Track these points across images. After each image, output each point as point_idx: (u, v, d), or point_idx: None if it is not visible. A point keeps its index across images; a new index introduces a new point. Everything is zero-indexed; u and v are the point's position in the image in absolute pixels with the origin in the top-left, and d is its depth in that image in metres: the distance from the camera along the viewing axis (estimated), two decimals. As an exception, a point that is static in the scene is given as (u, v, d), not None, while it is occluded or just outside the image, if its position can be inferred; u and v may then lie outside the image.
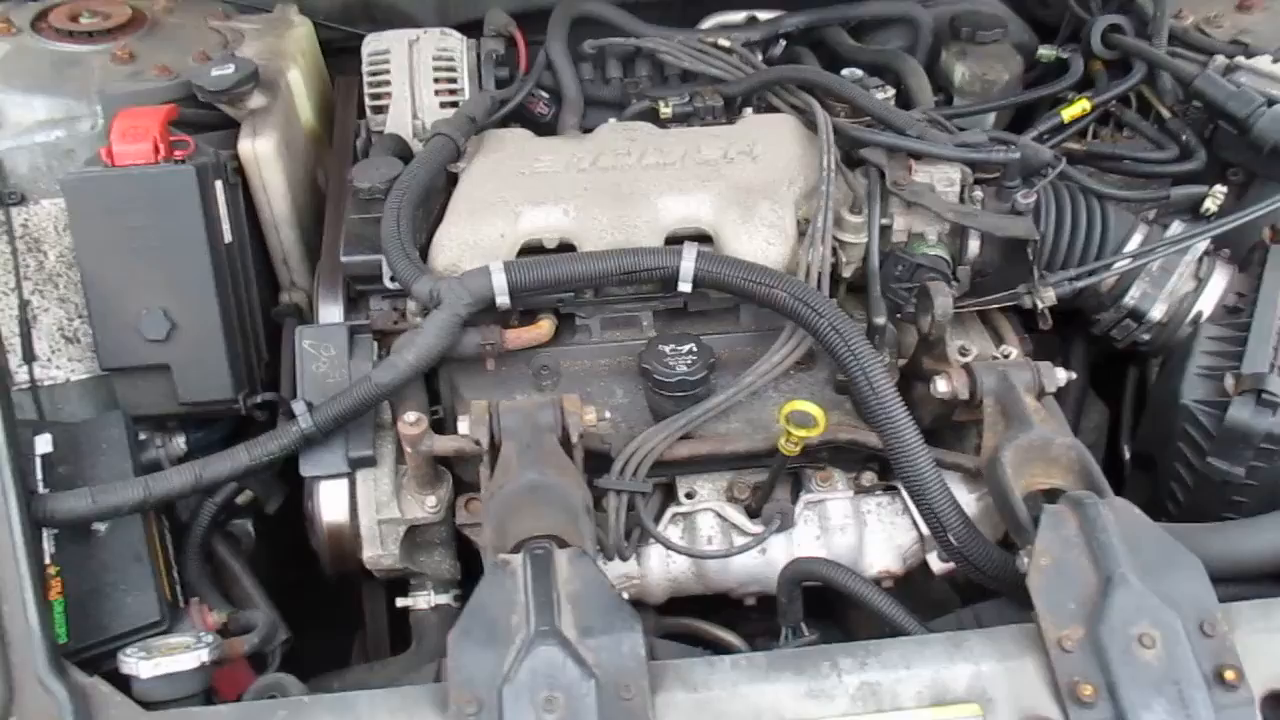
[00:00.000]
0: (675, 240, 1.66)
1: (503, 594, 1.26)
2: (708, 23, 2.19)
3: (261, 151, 1.77)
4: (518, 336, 1.60)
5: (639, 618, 1.24)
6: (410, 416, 1.52)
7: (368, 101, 1.97)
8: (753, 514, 1.65)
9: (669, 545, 1.56)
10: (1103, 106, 1.95)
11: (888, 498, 1.70)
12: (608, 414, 1.57)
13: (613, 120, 1.91)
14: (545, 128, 1.92)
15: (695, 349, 1.58)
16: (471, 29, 2.06)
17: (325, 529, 1.62)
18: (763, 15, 2.18)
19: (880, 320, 1.59)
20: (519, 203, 1.67)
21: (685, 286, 1.57)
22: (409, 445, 1.54)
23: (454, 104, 1.96)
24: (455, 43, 1.99)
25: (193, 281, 1.66)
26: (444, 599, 1.68)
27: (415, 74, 1.95)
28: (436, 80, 1.95)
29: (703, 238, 1.66)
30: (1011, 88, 2.06)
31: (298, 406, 1.56)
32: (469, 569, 1.71)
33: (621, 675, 1.20)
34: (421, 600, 1.68)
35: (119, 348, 1.67)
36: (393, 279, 1.66)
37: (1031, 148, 1.75)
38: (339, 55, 2.16)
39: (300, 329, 1.67)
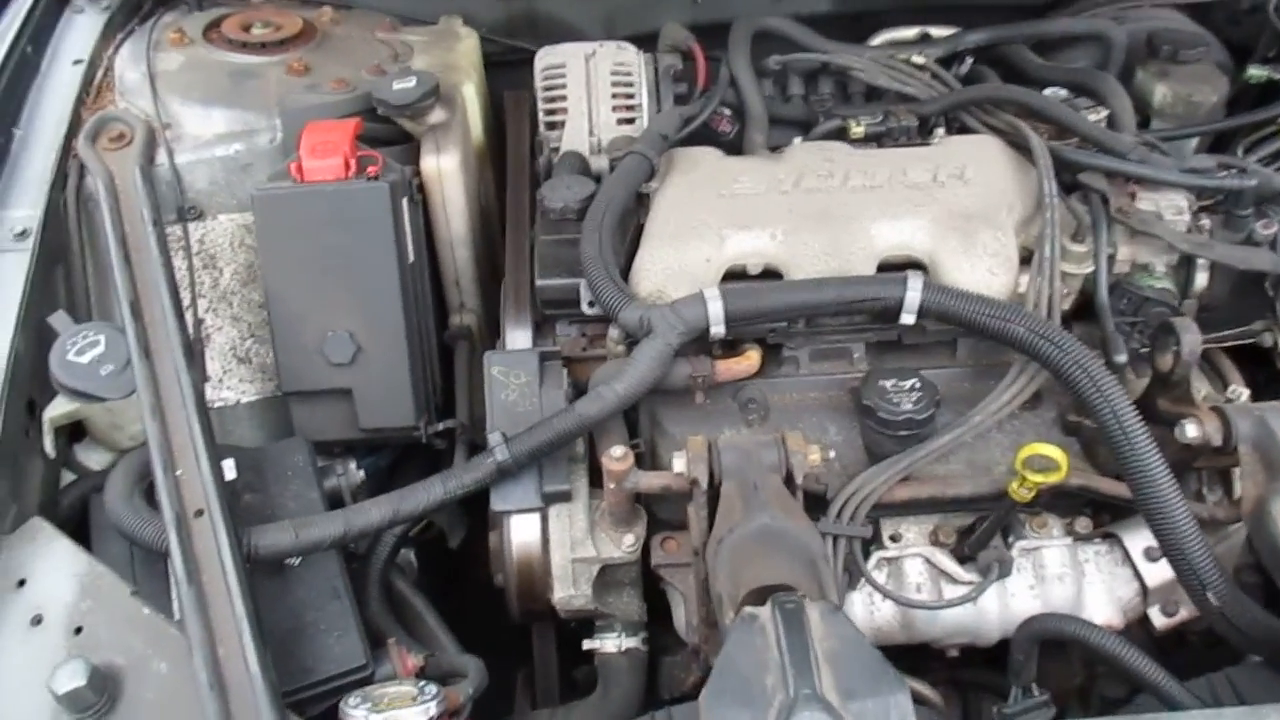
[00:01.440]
0: (887, 268, 1.57)
1: (753, 652, 1.16)
2: (877, 39, 2.10)
3: (446, 168, 1.70)
4: (728, 368, 1.51)
5: (904, 681, 1.14)
6: (617, 451, 1.44)
7: (541, 117, 1.90)
8: (961, 560, 1.55)
9: (895, 598, 1.46)
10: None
11: (1106, 545, 1.58)
12: (831, 454, 1.47)
13: (799, 140, 1.82)
14: (728, 146, 1.83)
15: (919, 385, 1.48)
16: (639, 42, 1.99)
17: (515, 566, 1.54)
18: (935, 31, 2.08)
19: (1122, 359, 1.49)
20: (722, 226, 1.58)
21: (908, 319, 1.48)
22: (612, 481, 1.45)
23: (630, 120, 1.88)
24: (632, 57, 1.92)
25: (381, 303, 1.60)
26: (634, 642, 1.59)
27: (592, 89, 1.88)
28: (614, 96, 1.88)
29: (916, 266, 1.57)
30: (1216, 111, 1.94)
31: (494, 438, 1.48)
32: (653, 610, 1.63)
33: (892, 746, 1.10)
34: (610, 643, 1.59)
35: (301, 370, 1.61)
36: (591, 304, 1.58)
37: (1263, 174, 1.64)
38: (500, 69, 2.10)
39: (489, 355, 1.59)
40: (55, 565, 1.30)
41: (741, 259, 1.58)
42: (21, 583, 1.28)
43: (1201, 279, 1.61)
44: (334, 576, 1.41)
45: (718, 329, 1.47)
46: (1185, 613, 1.57)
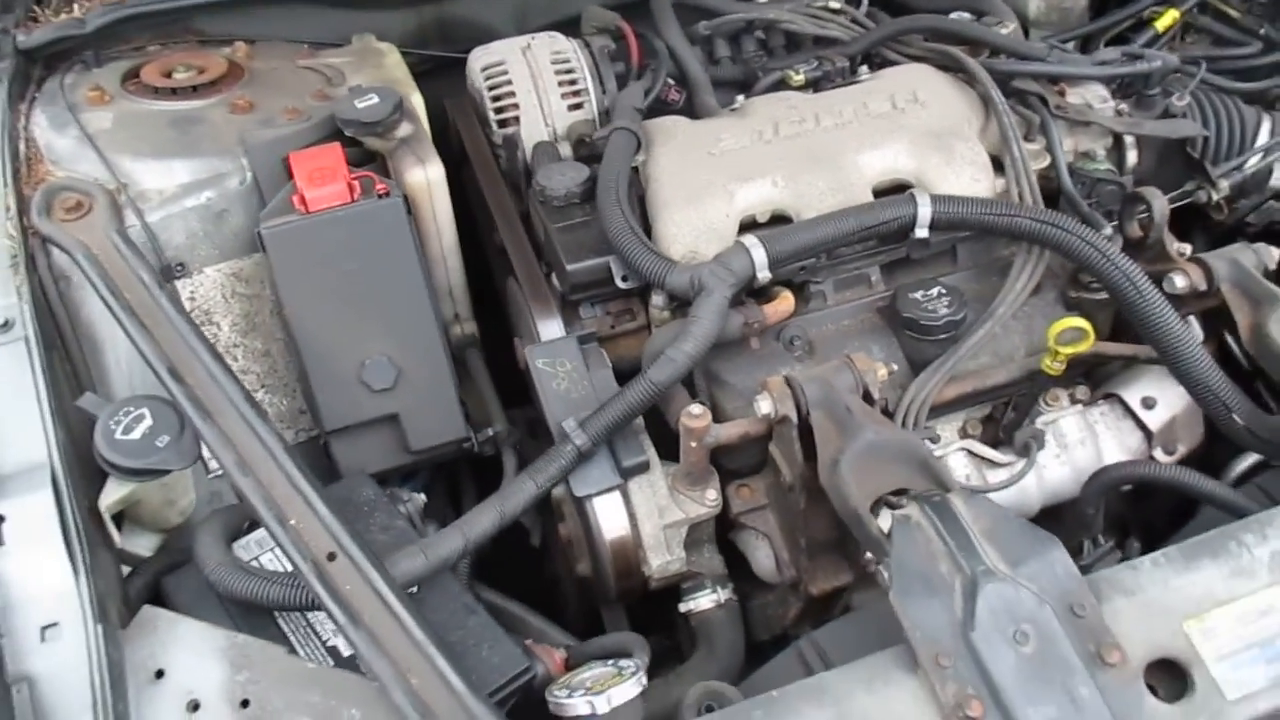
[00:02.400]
0: (880, 194, 1.68)
1: (918, 547, 1.25)
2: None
3: (434, 179, 1.67)
4: (774, 311, 1.58)
5: (1054, 538, 1.26)
6: (695, 409, 1.48)
7: (491, 116, 1.89)
8: (994, 445, 1.69)
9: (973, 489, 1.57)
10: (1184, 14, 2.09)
11: (1108, 405, 1.76)
12: (894, 367, 1.57)
13: (741, 98, 1.91)
14: (678, 114, 1.90)
15: (944, 290, 1.60)
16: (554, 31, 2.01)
17: (610, 547, 1.55)
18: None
19: (1108, 232, 1.66)
20: (727, 182, 1.65)
21: (922, 232, 1.60)
22: (693, 439, 1.49)
23: (579, 105, 1.91)
24: (566, 44, 1.94)
25: (414, 320, 1.57)
26: (727, 594, 1.63)
27: (538, 81, 1.89)
28: (560, 84, 1.90)
29: (905, 187, 1.69)
30: (1084, 15, 2.17)
31: (568, 424, 1.49)
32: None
33: (1066, 595, 1.21)
34: (705, 600, 1.62)
35: (343, 406, 1.56)
36: (624, 279, 1.61)
37: (1162, 56, 1.86)
38: (420, 80, 2.07)
39: (529, 349, 1.59)
40: (190, 647, 1.22)
41: (752, 209, 1.65)
42: (160, 673, 1.20)
43: (1132, 156, 1.81)
44: (459, 594, 1.39)
45: (764, 274, 1.53)
46: (1183, 448, 1.77)
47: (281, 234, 1.50)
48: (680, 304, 1.59)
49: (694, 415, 1.48)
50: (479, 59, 1.92)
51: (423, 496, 1.61)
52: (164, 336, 1.43)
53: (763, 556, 1.66)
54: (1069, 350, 1.54)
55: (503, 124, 1.90)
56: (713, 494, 1.57)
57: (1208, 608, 1.22)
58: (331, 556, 1.25)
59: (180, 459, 1.35)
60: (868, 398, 1.49)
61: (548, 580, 1.88)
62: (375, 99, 1.68)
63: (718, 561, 1.65)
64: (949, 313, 1.57)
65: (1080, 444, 1.72)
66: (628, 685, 1.16)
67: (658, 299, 1.59)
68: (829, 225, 1.57)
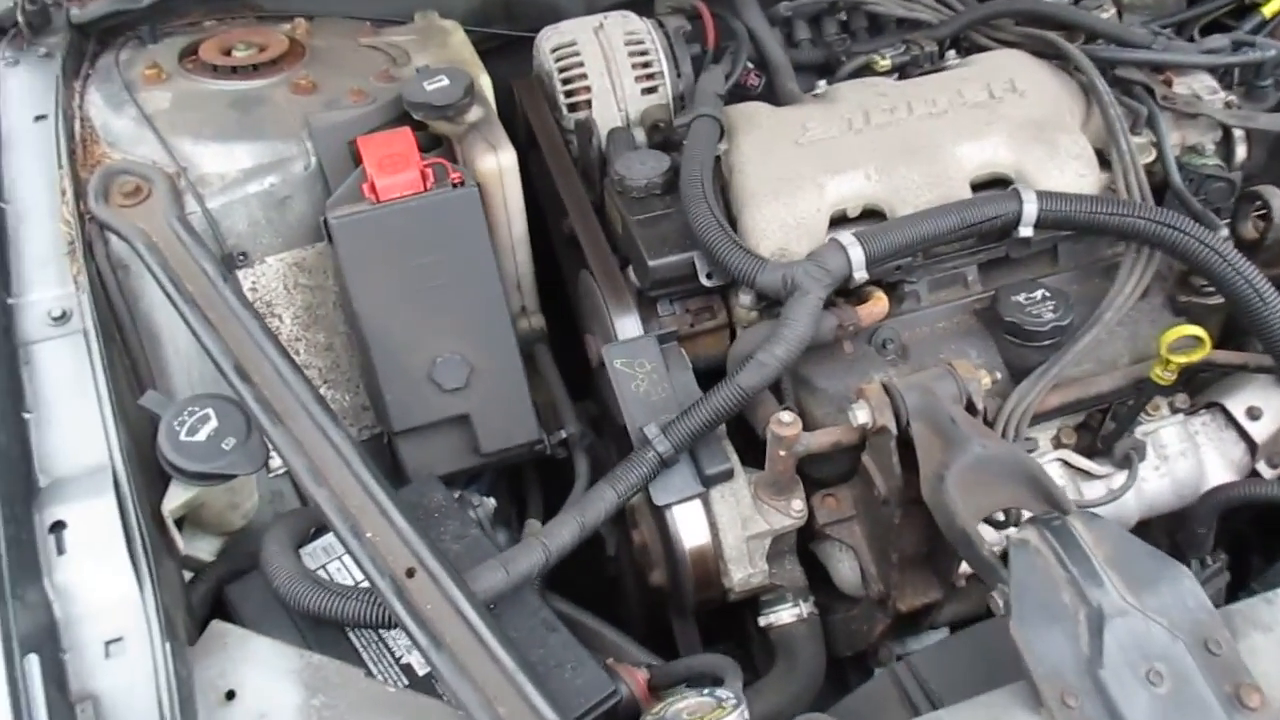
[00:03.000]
0: (979, 189, 1.58)
1: (1038, 572, 1.16)
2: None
3: (506, 165, 1.59)
4: (868, 313, 1.49)
5: (1177, 561, 1.17)
6: (786, 416, 1.40)
7: (561, 100, 1.81)
8: (1091, 455, 1.60)
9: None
10: (1293, 0, 1.97)
11: (1209, 415, 1.67)
12: (998, 375, 1.48)
13: (822, 83, 1.81)
14: (757, 100, 1.80)
15: (1049, 294, 1.51)
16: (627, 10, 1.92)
17: (690, 558, 1.47)
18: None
19: (1224, 233, 1.56)
20: (816, 175, 1.56)
21: (1026, 231, 1.50)
22: (782, 448, 1.41)
23: (653, 89, 1.82)
24: (640, 24, 1.85)
25: (488, 316, 1.49)
26: (808, 608, 1.56)
27: (610, 63, 1.80)
28: (634, 66, 1.81)
29: (1005, 182, 1.59)
30: (1180, -1, 2.06)
31: (650, 430, 1.41)
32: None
33: (1199, 630, 1.12)
34: (786, 614, 1.55)
35: (413, 405, 1.49)
36: (709, 275, 1.53)
37: (1272, 45, 1.75)
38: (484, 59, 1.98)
39: (607, 349, 1.52)
40: (262, 667, 1.15)
41: (843, 203, 1.56)
42: (231, 694, 1.13)
43: (1241, 151, 1.70)
44: (538, 609, 1.31)
45: (860, 274, 1.45)
46: (1289, 460, 1.68)
47: (351, 224, 1.42)
48: (769, 304, 1.51)
49: (784, 423, 1.39)
50: (549, 39, 1.83)
51: (492, 501, 1.54)
52: (229, 331, 1.35)
53: (846, 569, 1.58)
54: (1182, 359, 1.45)
55: (573, 108, 1.81)
56: (799, 504, 1.49)
57: (1355, 646, 1.14)
58: (410, 573, 1.17)
59: (248, 463, 1.28)
60: (970, 408, 1.40)
61: (610, 583, 1.81)
62: (445, 80, 1.60)
63: (799, 573, 1.57)
64: (1055, 317, 1.48)
65: (1181, 455, 1.64)
66: (734, 717, 1.09)
67: (745, 298, 1.51)
68: (928, 222, 1.48)
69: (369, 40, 1.83)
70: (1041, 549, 1.18)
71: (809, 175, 1.56)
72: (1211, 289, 1.56)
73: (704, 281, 1.52)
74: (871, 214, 1.57)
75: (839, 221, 1.57)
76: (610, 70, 1.80)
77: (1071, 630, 1.13)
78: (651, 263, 1.52)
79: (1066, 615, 1.13)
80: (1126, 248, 1.55)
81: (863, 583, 1.55)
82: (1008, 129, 1.61)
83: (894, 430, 1.37)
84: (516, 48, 1.97)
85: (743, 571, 1.49)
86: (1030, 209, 1.48)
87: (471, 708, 1.08)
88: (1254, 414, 1.66)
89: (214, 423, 1.29)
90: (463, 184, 1.46)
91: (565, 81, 1.80)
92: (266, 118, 1.60)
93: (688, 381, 1.53)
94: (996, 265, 1.61)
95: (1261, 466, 1.68)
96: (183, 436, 1.28)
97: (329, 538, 1.38)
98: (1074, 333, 1.52)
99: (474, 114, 1.64)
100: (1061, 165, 1.58)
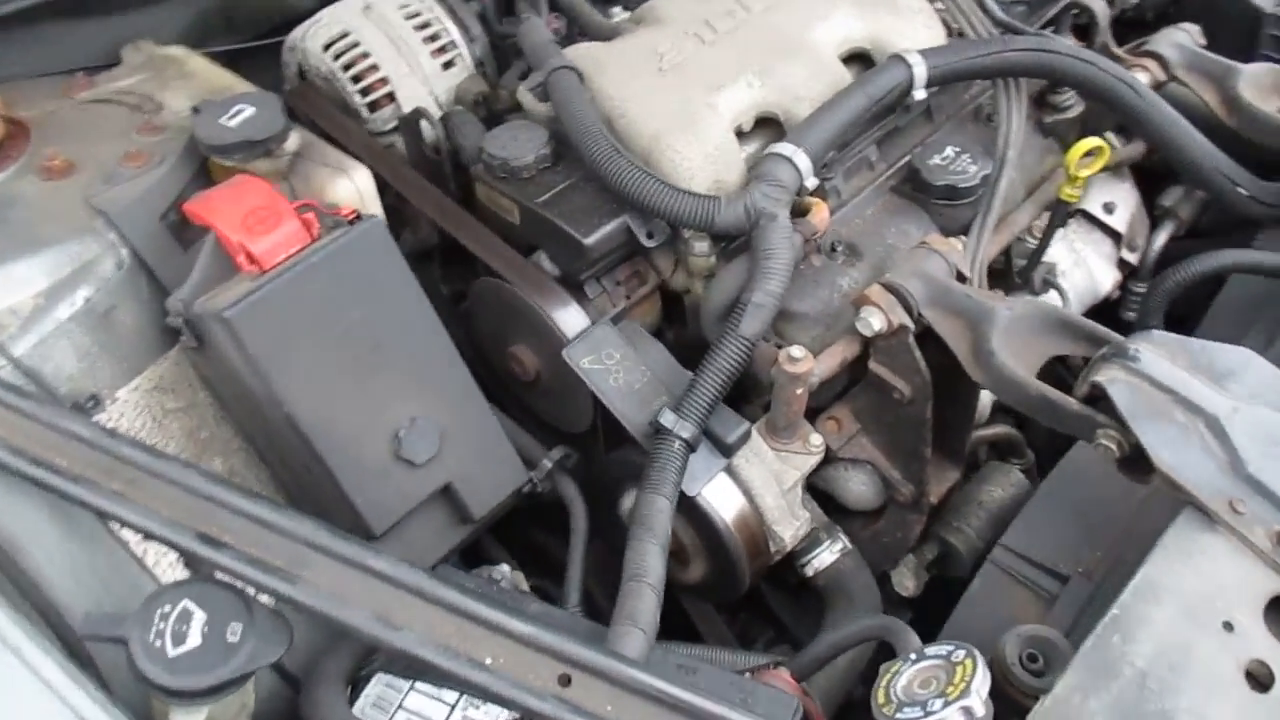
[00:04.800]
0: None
1: (1143, 403, 1.15)
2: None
3: (365, 187, 1.32)
4: (821, 220, 1.39)
5: (1242, 348, 1.21)
6: (796, 351, 1.28)
7: (357, 100, 1.53)
8: (1009, 290, 1.64)
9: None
10: None
11: (1075, 223, 1.76)
12: (962, 238, 1.44)
13: (617, 9, 1.67)
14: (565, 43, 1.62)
15: (961, 150, 1.50)
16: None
17: (736, 535, 1.33)
18: None
19: (1069, 42, 1.61)
20: (704, 97, 1.42)
21: (920, 94, 1.47)
22: (799, 385, 1.30)
23: (452, 63, 1.59)
24: (409, -6, 1.60)
25: (438, 359, 1.23)
26: (842, 541, 1.46)
27: (399, 44, 1.54)
28: (425, 41, 1.57)
29: (864, 56, 1.55)
30: None
31: (666, 417, 1.25)
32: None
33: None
34: (826, 555, 1.44)
35: (389, 497, 1.20)
36: (650, 235, 1.36)
37: None
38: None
39: (567, 351, 1.32)
40: None
41: (738, 119, 1.44)
42: None
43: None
44: (664, 655, 1.12)
45: (811, 180, 1.35)
46: (1140, 242, 1.81)
47: (251, 310, 1.09)
48: (726, 244, 1.37)
49: (796, 359, 1.28)
50: (314, 36, 1.54)
51: (506, 568, 1.30)
52: (146, 492, 1.01)
53: (857, 486, 1.50)
54: (1088, 171, 1.49)
55: (374, 105, 1.54)
56: (815, 438, 1.39)
57: None
58: (565, 680, 0.94)
59: (274, 643, 0.97)
60: (961, 278, 1.36)
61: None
62: (250, 109, 1.28)
63: (818, 509, 1.48)
64: (978, 169, 1.47)
65: (1075, 267, 1.73)
66: (980, 673, 0.98)
67: (700, 245, 1.35)
68: (841, 109, 1.40)
69: (89, 95, 1.43)
70: (1135, 381, 1.17)
71: (697, 99, 1.42)
72: (1070, 104, 1.63)
73: (645, 242, 1.35)
74: (766, 121, 1.47)
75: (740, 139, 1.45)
76: (401, 52, 1.54)
77: (1200, 444, 1.13)
78: (587, 239, 1.32)
79: (1191, 431, 1.13)
80: (995, 85, 1.56)
81: (884, 492, 1.49)
82: (848, 1, 1.56)
83: (911, 326, 1.30)
84: (254, 59, 1.64)
85: (790, 528, 1.37)
86: (920, 70, 1.45)
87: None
88: (1109, 208, 1.78)
89: (201, 615, 0.96)
90: (358, 217, 1.17)
91: (355, 79, 1.52)
92: (33, 220, 1.20)
93: (663, 356, 1.37)
94: (889, 140, 1.57)
95: (1125, 253, 1.81)
96: (171, 651, 0.94)
97: (378, 686, 1.10)
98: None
99: (293, 141, 1.33)
100: (910, 22, 1.56)
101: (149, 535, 0.99)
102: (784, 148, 1.34)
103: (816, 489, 1.50)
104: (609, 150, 1.31)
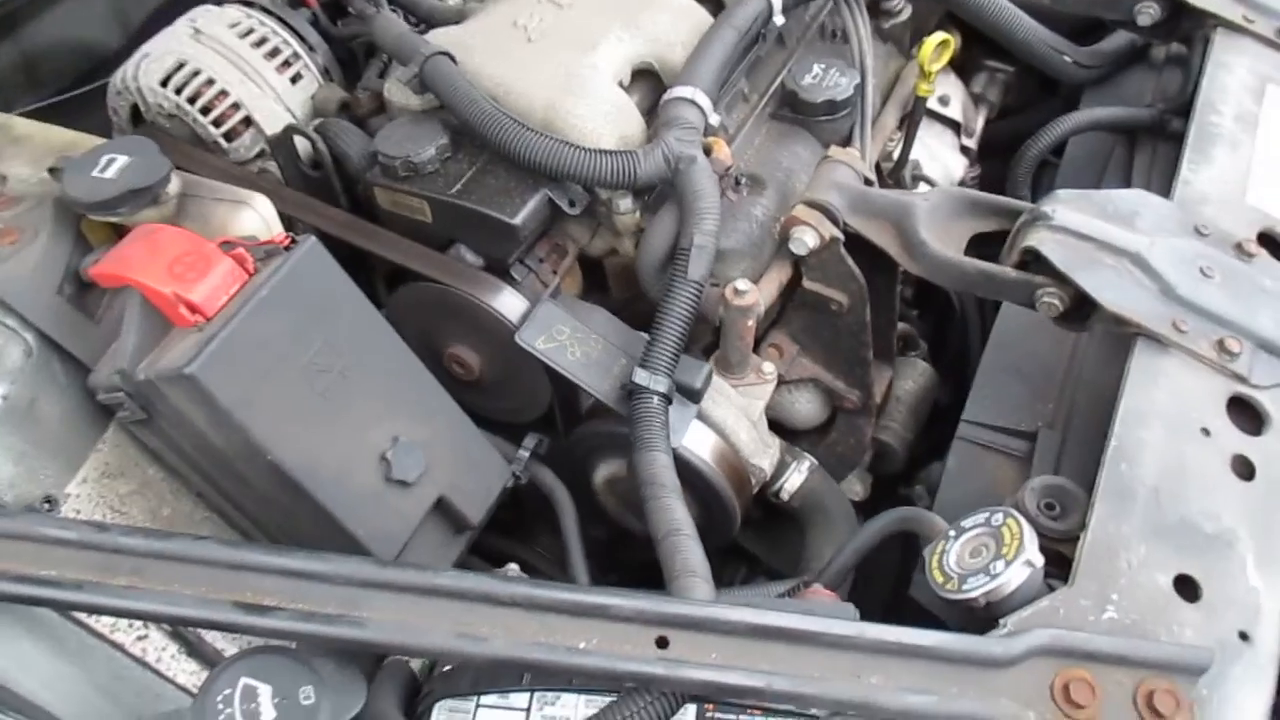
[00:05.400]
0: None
1: (1072, 255, 1.23)
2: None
3: (269, 215, 1.21)
4: (726, 155, 1.40)
5: (1139, 190, 1.32)
6: (741, 285, 1.31)
7: (211, 131, 1.42)
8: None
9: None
10: None
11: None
12: (855, 145, 1.49)
13: None
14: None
15: (828, 65, 1.54)
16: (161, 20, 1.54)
17: (721, 477, 1.35)
18: None
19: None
20: (582, 59, 1.40)
21: (780, 19, 1.52)
22: (749, 317, 1.33)
23: (299, 76, 1.51)
24: (235, 11, 1.50)
25: (403, 370, 1.17)
26: (807, 460, 1.50)
27: (240, 65, 1.44)
28: (267, 57, 1.47)
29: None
30: None
31: (640, 375, 1.24)
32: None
33: (1182, 221, 1.29)
34: (795, 476, 1.48)
35: (390, 524, 1.14)
36: (571, 203, 1.34)
37: None
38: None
39: (519, 336, 1.30)
40: None
41: (619, 73, 1.43)
42: None
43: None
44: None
45: (714, 118, 1.36)
46: (976, 127, 1.94)
47: (210, 363, 0.99)
48: (645, 197, 1.36)
49: (743, 292, 1.30)
50: (148, 74, 1.42)
51: (515, 566, 1.26)
52: (164, 579, 0.92)
53: (804, 405, 1.55)
54: (940, 64, 1.59)
55: (231, 134, 1.43)
56: (767, 366, 1.43)
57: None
58: (663, 642, 0.93)
59: (351, 693, 0.91)
60: (868, 182, 1.42)
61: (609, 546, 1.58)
62: (123, 158, 1.17)
63: (774, 436, 1.51)
64: (849, 80, 1.52)
65: (932, 160, 1.82)
66: (1026, 528, 1.03)
67: (624, 202, 1.34)
68: (717, 46, 1.42)
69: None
70: (1060, 238, 1.25)
71: (579, 61, 1.40)
72: (900, 7, 1.72)
73: (569, 211, 1.33)
74: (640, 74, 1.47)
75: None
76: (246, 73, 1.44)
77: (1132, 280, 1.22)
78: (515, 219, 1.29)
79: (1121, 271, 1.23)
80: (837, 2, 1.62)
81: (829, 406, 1.54)
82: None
83: (841, 237, 1.34)
84: (57, 114, 1.49)
85: (766, 457, 1.40)
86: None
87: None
88: (945, 101, 1.89)
89: (266, 688, 0.89)
90: (291, 241, 1.10)
91: (205, 110, 1.42)
92: (-89, 324, 1.06)
93: (609, 320, 1.36)
94: (755, 71, 1.60)
95: (964, 140, 1.93)
96: (258, 728, 0.86)
97: (442, 714, 1.04)
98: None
99: (175, 184, 1.22)
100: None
101: (181, 622, 0.90)
102: (684, 90, 1.35)
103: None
104: (514, 127, 1.28)
